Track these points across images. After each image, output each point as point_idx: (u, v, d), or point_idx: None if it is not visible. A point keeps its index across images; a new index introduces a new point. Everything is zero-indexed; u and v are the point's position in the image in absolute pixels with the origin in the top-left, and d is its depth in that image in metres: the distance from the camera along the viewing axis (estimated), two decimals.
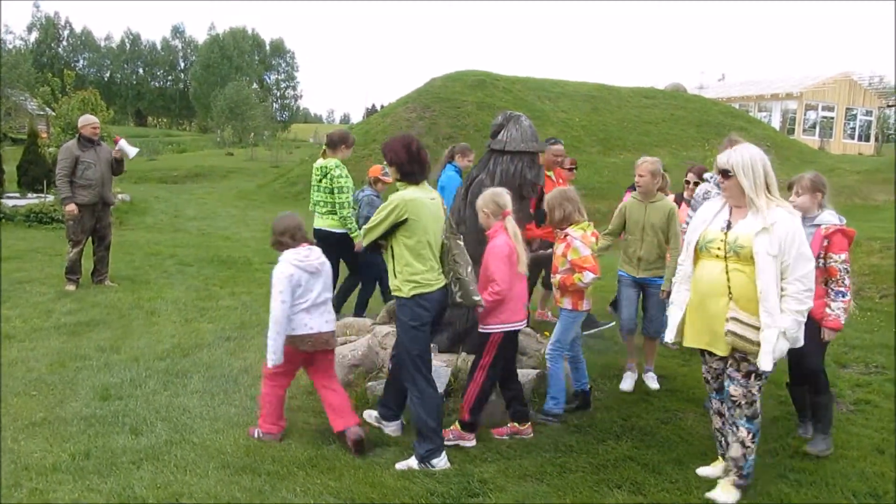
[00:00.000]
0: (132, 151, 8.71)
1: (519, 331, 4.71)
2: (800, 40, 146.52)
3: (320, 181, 6.72)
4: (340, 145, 6.81)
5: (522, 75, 27.23)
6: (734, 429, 3.85)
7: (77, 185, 8.34)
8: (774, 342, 3.61)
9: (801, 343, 3.74)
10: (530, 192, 5.41)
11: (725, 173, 3.75)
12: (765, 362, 3.63)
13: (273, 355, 4.28)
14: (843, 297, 4.39)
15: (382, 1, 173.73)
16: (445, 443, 4.28)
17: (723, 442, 4.03)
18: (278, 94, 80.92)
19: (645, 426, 4.84)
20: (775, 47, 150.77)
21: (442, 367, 5.12)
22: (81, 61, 78.21)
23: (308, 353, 4.44)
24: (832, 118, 36.27)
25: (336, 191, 6.59)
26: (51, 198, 14.03)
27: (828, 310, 4.38)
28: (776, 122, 34.92)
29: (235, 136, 43.48)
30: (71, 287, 8.38)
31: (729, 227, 3.77)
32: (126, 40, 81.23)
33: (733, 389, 3.80)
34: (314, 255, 4.44)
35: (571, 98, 25.65)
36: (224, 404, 4.99)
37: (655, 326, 5.69)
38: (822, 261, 4.33)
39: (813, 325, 4.28)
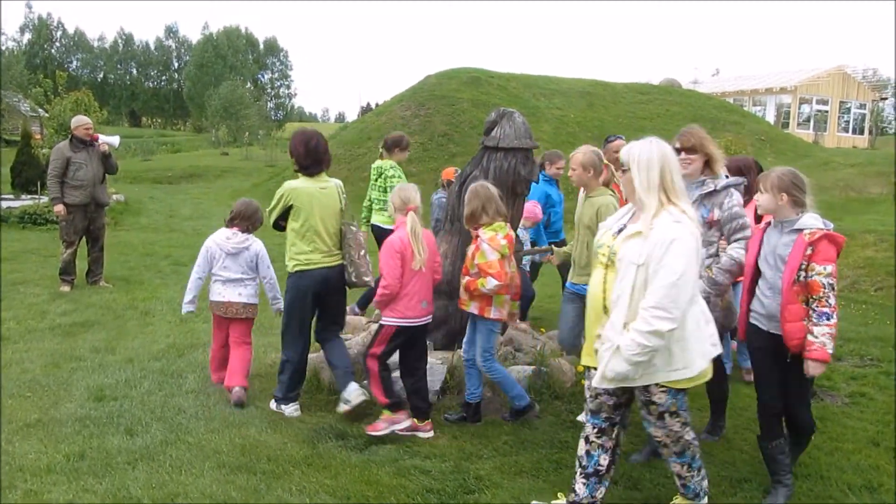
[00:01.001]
0: (115, 140, 8.75)
1: (421, 328, 4.62)
2: (793, 34, 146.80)
3: (376, 181, 7.17)
4: (395, 148, 7.20)
5: (517, 72, 27.21)
6: (667, 463, 3.55)
7: (69, 185, 8.32)
8: (606, 360, 3.12)
9: (636, 375, 3.10)
10: (524, 189, 5.41)
11: (622, 166, 3.29)
12: (595, 380, 3.23)
13: (184, 306, 5.36)
14: (828, 319, 3.54)
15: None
16: (394, 431, 4.50)
17: (579, 472, 3.52)
18: (272, 93, 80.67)
19: (641, 422, 4.82)
20: (769, 42, 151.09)
21: (438, 364, 5.13)
22: (75, 62, 77.88)
23: (224, 318, 5.22)
24: (826, 112, 36.32)
25: (389, 189, 6.78)
26: (45, 199, 14.01)
27: (810, 337, 3.56)
28: (770, 117, 34.95)
29: (230, 135, 43.38)
30: (65, 288, 8.37)
31: (620, 231, 3.27)
32: (119, 40, 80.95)
33: (654, 431, 3.40)
34: (238, 240, 5.22)
35: (566, 94, 25.65)
36: (219, 404, 4.98)
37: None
38: (802, 273, 3.58)
39: (795, 363, 3.68)
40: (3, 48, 61.61)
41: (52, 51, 76.73)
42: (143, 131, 62.76)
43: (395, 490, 3.83)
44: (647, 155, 3.15)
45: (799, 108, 36.17)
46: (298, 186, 4.75)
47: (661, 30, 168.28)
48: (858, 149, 30.62)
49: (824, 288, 3.54)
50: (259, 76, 79.75)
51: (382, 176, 7.07)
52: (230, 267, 5.22)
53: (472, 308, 4.60)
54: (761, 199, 3.81)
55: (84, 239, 8.64)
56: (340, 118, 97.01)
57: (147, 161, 31.95)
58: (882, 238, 12.20)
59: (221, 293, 5.22)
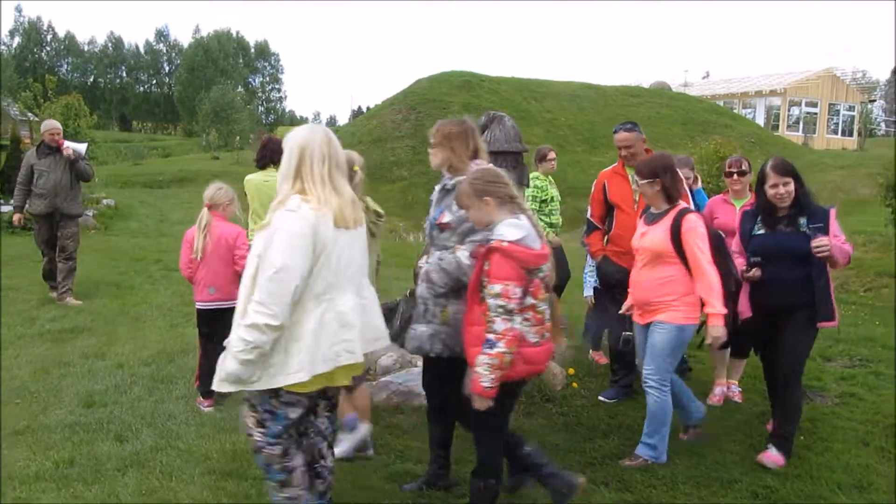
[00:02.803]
0: (81, 148, 8.43)
1: (211, 311, 5.00)
2: (783, 37, 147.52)
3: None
4: (538, 160, 7.34)
5: (508, 75, 27.30)
6: None
7: (34, 193, 8.05)
8: (221, 361, 2.88)
9: (250, 376, 2.81)
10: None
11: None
12: (214, 383, 2.94)
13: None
14: (490, 348, 3.07)
15: (368, 1, 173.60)
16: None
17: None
18: (263, 96, 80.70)
19: (632, 424, 4.84)
20: (758, 45, 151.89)
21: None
22: (65, 66, 77.61)
23: None
24: (815, 114, 36.52)
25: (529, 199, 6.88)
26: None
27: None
28: (760, 119, 35.13)
29: (221, 139, 43.27)
30: (53, 294, 8.30)
31: None
32: (109, 44, 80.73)
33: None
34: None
35: (557, 98, 25.75)
36: (210, 409, 4.96)
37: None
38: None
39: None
40: None
41: (43, 55, 76.47)
42: (133, 135, 62.58)
43: (387, 494, 3.82)
44: (291, 141, 3.00)
45: (788, 111, 36.37)
46: (248, 178, 5.78)
47: (652, 33, 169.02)
48: (847, 150, 30.81)
49: (490, 311, 3.11)
50: (250, 80, 79.73)
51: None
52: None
53: None
54: (471, 216, 3.38)
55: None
56: (332, 121, 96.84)
57: (137, 165, 31.81)
58: (871, 239, 12.30)
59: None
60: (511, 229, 3.16)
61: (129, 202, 18.41)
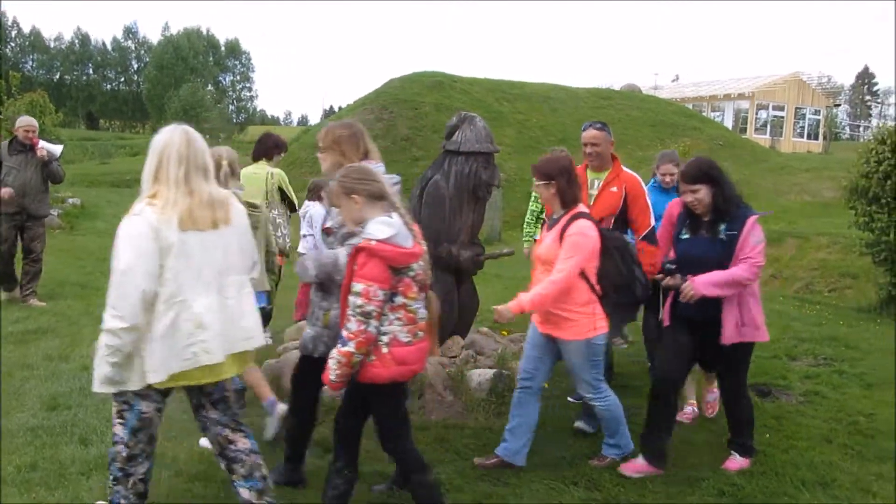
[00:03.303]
0: (57, 150, 8.02)
1: None
2: (751, 41, 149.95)
3: None
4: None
5: (480, 76, 27.35)
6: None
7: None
8: (95, 363, 2.99)
9: (121, 378, 2.96)
10: (485, 193, 5.43)
11: None
12: (94, 385, 3.06)
13: None
14: (343, 345, 3.08)
15: (340, 1, 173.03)
16: None
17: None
18: (234, 95, 79.87)
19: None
20: (728, 48, 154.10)
21: None
22: (30, 62, 76.16)
23: None
24: (782, 117, 37.14)
25: None
26: None
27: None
28: (729, 122, 35.63)
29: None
30: (3, 295, 8.01)
31: None
32: (76, 41, 79.37)
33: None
34: None
35: (529, 99, 25.86)
36: (176, 412, 4.87)
37: None
38: None
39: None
40: None
41: (7, 51, 74.95)
42: (100, 134, 61.52)
43: (356, 496, 3.79)
44: (152, 144, 3.05)
45: (756, 114, 36.95)
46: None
47: (623, 36, 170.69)
48: (813, 154, 31.36)
49: (348, 310, 3.09)
50: (220, 78, 78.86)
51: None
52: None
53: None
54: (342, 214, 3.37)
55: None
56: (303, 121, 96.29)
57: (105, 164, 31.36)
58: (835, 240, 12.53)
59: None
60: (380, 227, 3.10)
61: (96, 201, 18.11)
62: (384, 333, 3.15)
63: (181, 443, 4.39)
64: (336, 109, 57.66)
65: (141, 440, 3.12)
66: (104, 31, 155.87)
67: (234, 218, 3.16)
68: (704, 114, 33.79)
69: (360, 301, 3.04)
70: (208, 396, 3.24)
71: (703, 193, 3.98)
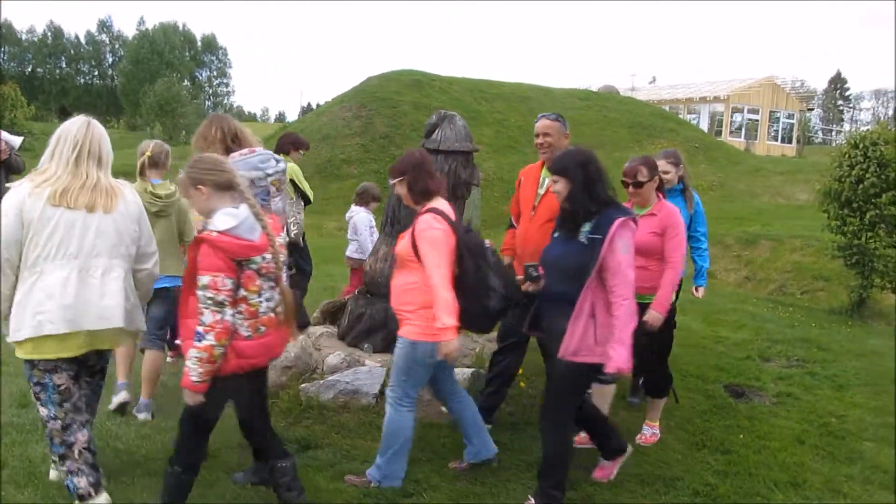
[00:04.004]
0: (16, 142, 7.74)
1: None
2: (727, 44, 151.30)
3: None
4: None
5: (459, 75, 27.36)
6: None
7: None
8: None
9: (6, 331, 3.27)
10: (464, 192, 5.42)
11: None
12: None
13: None
14: (200, 340, 3.01)
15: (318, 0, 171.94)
16: None
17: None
18: (210, 90, 79.13)
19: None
20: (704, 51, 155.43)
21: (377, 367, 5.09)
22: (1, 55, 74.87)
23: None
24: (757, 121, 37.55)
25: None
26: None
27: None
28: (704, 125, 35.95)
29: (166, 133, 42.28)
30: None
31: None
32: (49, 33, 78.13)
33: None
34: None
35: (507, 99, 25.91)
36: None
37: None
38: None
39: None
40: None
41: None
42: None
43: (332, 494, 3.78)
44: (59, 128, 3.38)
45: (731, 117, 37.32)
46: None
47: (601, 37, 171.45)
48: (787, 157, 31.76)
49: (199, 303, 3.05)
50: (196, 73, 78.08)
51: None
52: None
53: None
54: (193, 205, 3.37)
55: None
56: (281, 117, 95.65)
57: None
58: (808, 243, 12.70)
59: None
60: (223, 218, 3.09)
61: None
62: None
63: (154, 441, 4.33)
64: (314, 106, 57.27)
65: (68, 410, 3.30)
66: (78, 25, 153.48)
67: (119, 206, 3.36)
68: (681, 116, 34.09)
69: (209, 293, 3.01)
70: (89, 368, 3.49)
71: (560, 186, 3.58)
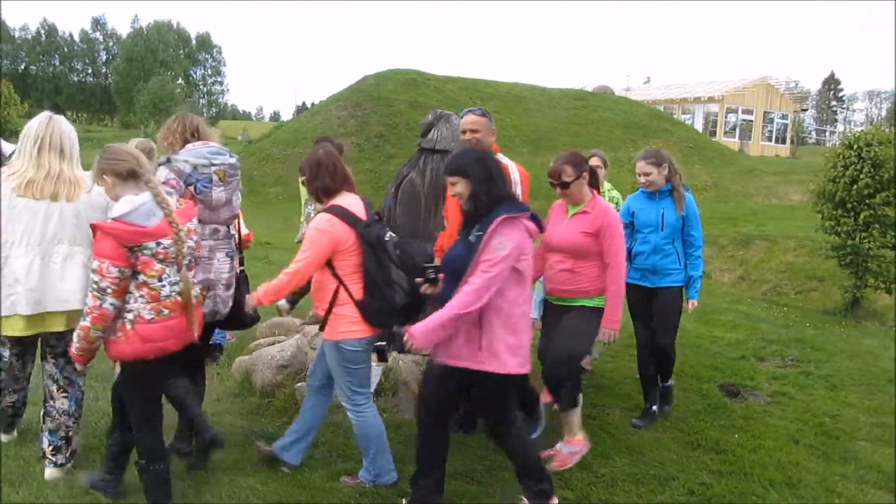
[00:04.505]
0: (7, 149, 7.83)
1: None
2: (721, 45, 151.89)
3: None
4: None
5: (454, 75, 27.36)
6: None
7: None
8: None
9: None
10: None
11: None
12: None
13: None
14: (83, 320, 3.18)
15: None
16: None
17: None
18: (205, 89, 79.02)
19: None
20: (698, 51, 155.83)
21: (374, 365, 5.08)
22: None
23: None
24: (751, 121, 37.66)
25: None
26: None
27: None
28: (699, 125, 36.06)
29: (159, 131, 42.27)
30: None
31: None
32: (42, 31, 77.83)
33: None
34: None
35: (503, 98, 25.93)
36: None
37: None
38: None
39: None
40: None
41: None
42: None
43: (327, 493, 3.78)
44: (26, 125, 3.71)
45: (725, 118, 37.43)
46: None
47: (596, 37, 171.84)
48: (781, 157, 31.89)
49: (90, 285, 3.17)
50: (191, 72, 77.94)
51: None
52: None
53: None
54: (106, 194, 3.49)
55: None
56: (275, 116, 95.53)
57: None
58: (802, 244, 12.73)
59: None
60: (119, 205, 3.19)
61: None
62: (129, 311, 3.19)
63: None
64: (309, 105, 57.17)
65: (4, 379, 3.89)
66: (72, 23, 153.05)
67: (81, 195, 3.65)
68: (675, 116, 34.18)
69: (96, 277, 3.12)
70: (51, 348, 3.84)
71: (460, 187, 3.42)
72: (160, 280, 3.21)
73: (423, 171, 5.30)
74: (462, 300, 3.24)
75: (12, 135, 17.98)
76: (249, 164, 21.97)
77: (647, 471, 4.24)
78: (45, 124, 3.64)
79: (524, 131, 23.60)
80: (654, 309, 4.94)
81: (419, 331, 3.27)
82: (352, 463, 4.14)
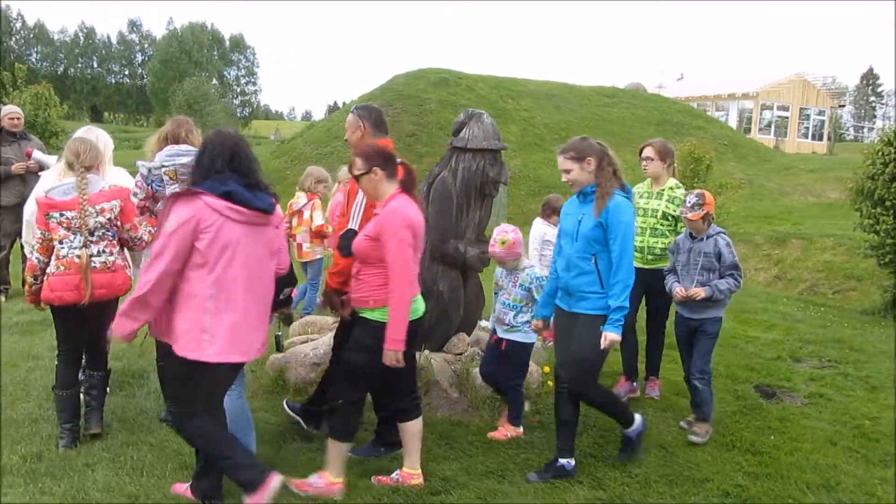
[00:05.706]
0: (49, 160, 7.46)
1: None
2: (756, 41, 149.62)
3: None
4: None
5: (485, 73, 27.29)
6: None
7: (1, 183, 7.61)
8: None
9: None
10: (492, 190, 5.41)
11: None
12: None
13: None
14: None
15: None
16: None
17: None
18: (238, 89, 79.85)
19: (605, 423, 4.85)
20: (732, 48, 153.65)
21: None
22: (34, 55, 76.21)
23: None
24: (787, 118, 37.03)
25: None
26: None
27: None
28: (733, 122, 35.55)
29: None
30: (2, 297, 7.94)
31: None
32: (80, 34, 79.34)
33: None
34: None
35: (534, 96, 25.80)
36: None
37: None
38: None
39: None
40: None
41: (12, 42, 74.91)
42: (104, 126, 60.98)
43: (361, 491, 3.80)
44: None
45: (760, 114, 36.84)
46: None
47: (629, 34, 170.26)
48: (817, 155, 31.31)
49: None
50: (224, 73, 78.82)
51: None
52: None
53: None
54: None
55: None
56: (307, 116, 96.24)
57: None
58: (840, 242, 12.49)
59: None
60: (47, 183, 4.38)
61: None
62: (48, 265, 4.09)
63: None
64: (340, 105, 57.49)
65: None
66: (109, 25, 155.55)
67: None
68: (709, 113, 33.72)
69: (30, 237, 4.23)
70: None
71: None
72: (61, 243, 4.06)
73: (454, 170, 5.30)
74: (138, 288, 3.21)
75: (52, 136, 18.31)
76: (282, 163, 22.16)
77: (681, 471, 4.20)
78: (80, 139, 4.38)
79: (555, 129, 23.46)
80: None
81: (116, 323, 3.29)
82: (384, 461, 4.17)
